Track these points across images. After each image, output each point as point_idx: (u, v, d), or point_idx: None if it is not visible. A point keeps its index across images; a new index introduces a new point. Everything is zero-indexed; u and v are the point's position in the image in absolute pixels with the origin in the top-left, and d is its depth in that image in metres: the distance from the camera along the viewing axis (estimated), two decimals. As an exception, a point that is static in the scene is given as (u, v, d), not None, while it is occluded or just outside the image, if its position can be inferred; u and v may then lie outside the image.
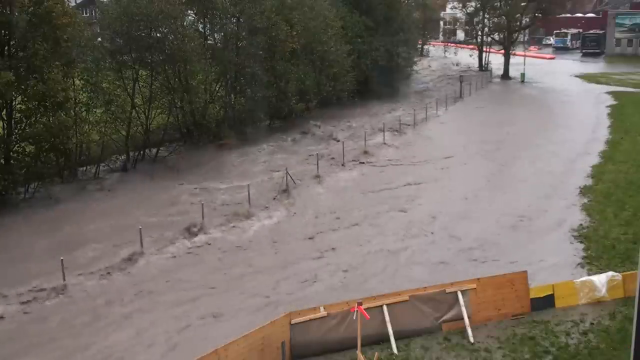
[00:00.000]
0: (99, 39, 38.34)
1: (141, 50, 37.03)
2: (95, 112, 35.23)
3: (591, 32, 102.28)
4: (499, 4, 78.20)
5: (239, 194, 31.33)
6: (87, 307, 20.69)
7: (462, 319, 18.01)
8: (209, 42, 44.67)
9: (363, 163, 37.89)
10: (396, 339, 17.30)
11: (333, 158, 38.42)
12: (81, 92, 34.68)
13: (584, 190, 31.11)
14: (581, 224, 26.41)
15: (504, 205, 29.49)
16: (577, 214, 27.85)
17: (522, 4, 76.87)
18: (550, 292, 19.13)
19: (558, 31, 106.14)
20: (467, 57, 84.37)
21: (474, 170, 35.74)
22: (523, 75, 73.13)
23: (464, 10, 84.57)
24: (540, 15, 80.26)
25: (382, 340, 17.33)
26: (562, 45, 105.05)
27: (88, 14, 59.54)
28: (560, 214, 27.99)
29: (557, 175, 34.28)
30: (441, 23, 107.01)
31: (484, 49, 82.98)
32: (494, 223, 27.15)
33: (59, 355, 17.99)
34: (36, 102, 30.95)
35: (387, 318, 17.51)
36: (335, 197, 31.63)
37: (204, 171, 36.00)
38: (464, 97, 62.21)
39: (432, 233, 26.38)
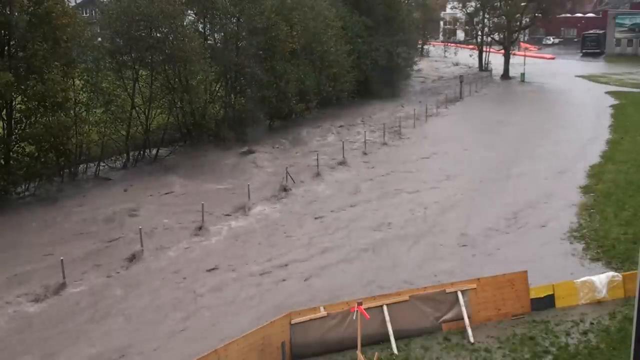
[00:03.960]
0: (99, 39, 38.28)
1: (141, 50, 37.01)
2: (95, 112, 35.21)
3: (591, 32, 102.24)
4: (499, 4, 78.28)
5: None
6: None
7: (462, 319, 18.01)
8: (209, 42, 44.63)
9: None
10: (396, 339, 17.30)
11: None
12: (81, 92, 34.66)
13: (584, 190, 31.12)
14: (581, 224, 26.42)
15: (502, 204, 29.49)
16: (577, 213, 27.84)
17: (522, 4, 76.93)
18: (550, 292, 19.13)
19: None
20: (467, 57, 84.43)
21: (472, 169, 35.75)
22: (523, 75, 73.22)
23: (464, 10, 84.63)
24: (540, 15, 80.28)
25: (382, 340, 17.34)
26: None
27: (88, 14, 59.38)
28: (560, 213, 27.97)
29: (557, 175, 34.28)
30: (441, 23, 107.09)
31: (484, 49, 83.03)
32: (491, 221, 27.16)
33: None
34: (36, 102, 30.96)
35: (387, 318, 17.51)
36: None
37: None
38: (464, 97, 62.22)
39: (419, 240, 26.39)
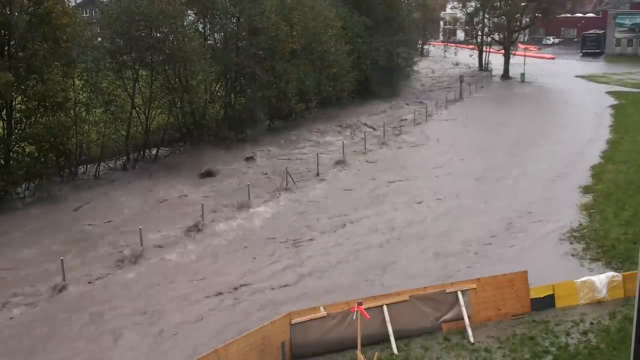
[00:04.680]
0: (99, 39, 38.29)
1: (141, 50, 36.99)
2: (95, 112, 35.21)
3: (591, 32, 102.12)
4: (499, 4, 78.23)
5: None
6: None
7: (462, 319, 18.02)
8: (209, 42, 44.62)
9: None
10: (396, 339, 17.31)
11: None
12: (81, 92, 34.66)
13: (584, 190, 31.12)
14: (581, 224, 26.41)
15: (501, 206, 29.49)
16: (577, 213, 27.84)
17: (522, 4, 76.91)
18: (550, 292, 19.14)
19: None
20: (467, 57, 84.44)
21: (472, 169, 35.74)
22: (523, 75, 73.22)
23: (464, 10, 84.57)
24: (540, 15, 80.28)
25: (382, 340, 17.34)
26: None
27: (88, 14, 59.42)
28: (560, 213, 27.97)
29: (557, 176, 34.27)
30: (441, 23, 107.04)
31: (484, 49, 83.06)
32: (491, 222, 27.15)
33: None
34: (36, 102, 30.98)
35: (387, 318, 17.52)
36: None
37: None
38: (464, 97, 62.19)
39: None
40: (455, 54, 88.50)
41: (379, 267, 23.07)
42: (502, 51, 78.00)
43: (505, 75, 76.40)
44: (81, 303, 20.91)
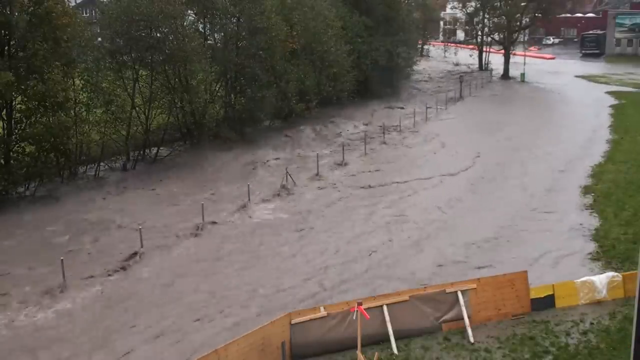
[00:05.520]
0: (99, 39, 38.26)
1: (141, 50, 36.95)
2: (95, 112, 35.20)
3: (590, 32, 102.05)
4: (499, 4, 78.33)
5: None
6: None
7: (462, 319, 18.02)
8: (209, 42, 44.58)
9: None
10: (396, 339, 17.32)
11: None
12: (81, 92, 34.65)
13: (584, 190, 31.13)
14: (581, 224, 26.42)
15: (500, 206, 29.50)
16: (577, 213, 27.86)
17: (522, 4, 77.00)
18: (550, 292, 19.16)
19: None
20: (467, 57, 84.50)
21: (473, 169, 35.75)
22: (523, 75, 73.27)
23: (464, 10, 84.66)
24: (540, 15, 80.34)
25: (382, 340, 17.35)
26: None
27: (88, 14, 59.43)
28: (559, 213, 27.99)
29: (557, 176, 34.29)
30: (441, 23, 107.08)
31: (484, 49, 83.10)
32: (490, 222, 27.17)
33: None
34: (36, 102, 30.98)
35: (387, 318, 17.52)
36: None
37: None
38: (464, 97, 62.19)
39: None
40: (455, 54, 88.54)
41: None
42: (502, 51, 78.07)
43: (505, 75, 76.47)
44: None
